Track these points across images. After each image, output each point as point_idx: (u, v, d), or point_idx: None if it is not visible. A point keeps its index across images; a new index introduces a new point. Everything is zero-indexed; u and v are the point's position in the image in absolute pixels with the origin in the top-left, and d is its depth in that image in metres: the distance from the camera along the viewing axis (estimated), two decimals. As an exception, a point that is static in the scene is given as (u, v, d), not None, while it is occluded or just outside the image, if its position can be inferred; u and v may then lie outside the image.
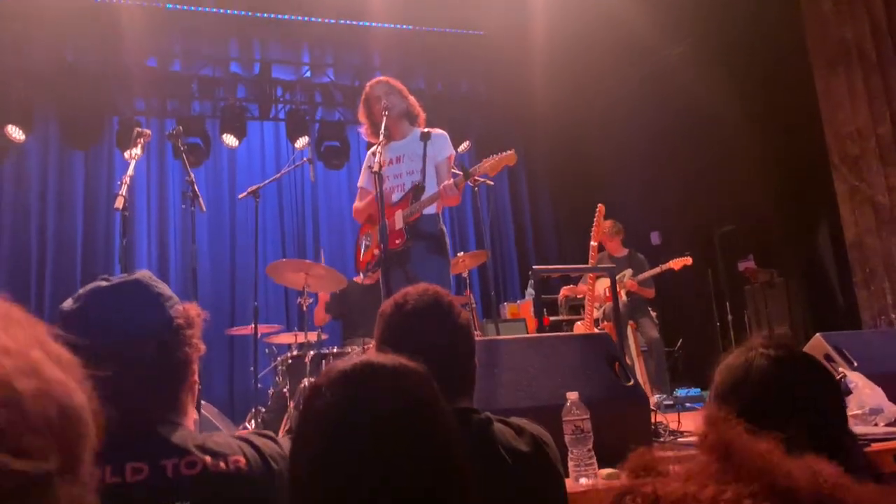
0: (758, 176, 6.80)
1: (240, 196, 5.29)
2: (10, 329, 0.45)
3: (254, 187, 5.02)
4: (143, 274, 1.40)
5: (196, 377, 1.41)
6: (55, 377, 0.45)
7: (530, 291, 7.12)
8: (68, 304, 1.32)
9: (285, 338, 5.80)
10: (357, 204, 4.24)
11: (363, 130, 4.19)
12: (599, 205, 5.24)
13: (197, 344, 1.38)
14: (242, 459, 1.27)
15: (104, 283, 1.35)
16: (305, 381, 4.72)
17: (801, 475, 0.57)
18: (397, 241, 3.86)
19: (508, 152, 3.81)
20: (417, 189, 3.88)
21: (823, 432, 1.29)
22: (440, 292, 1.68)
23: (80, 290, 1.34)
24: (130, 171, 3.29)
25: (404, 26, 7.60)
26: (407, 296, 1.66)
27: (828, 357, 3.64)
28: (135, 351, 1.27)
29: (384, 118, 3.83)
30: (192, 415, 1.40)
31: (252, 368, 5.13)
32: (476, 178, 4.69)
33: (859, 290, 5.91)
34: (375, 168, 3.59)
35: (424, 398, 1.02)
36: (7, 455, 0.40)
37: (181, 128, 3.97)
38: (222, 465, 1.24)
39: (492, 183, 5.65)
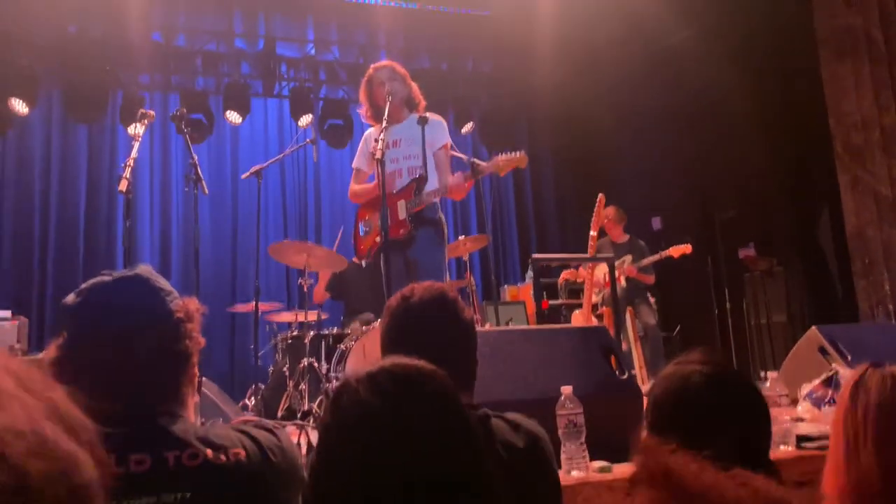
0: (761, 163, 6.79)
1: (243, 176, 5.31)
2: (23, 399, 0.46)
3: (257, 167, 5.03)
4: (144, 269, 1.44)
5: (196, 370, 1.45)
6: (67, 454, 0.46)
7: (531, 274, 7.16)
8: (71, 298, 1.36)
9: (286, 316, 5.86)
10: (354, 187, 4.25)
11: (362, 112, 4.21)
12: (600, 194, 5.26)
13: (197, 337, 1.41)
14: (242, 452, 1.30)
15: (106, 278, 1.38)
16: (305, 361, 4.78)
17: (741, 493, 0.60)
18: (401, 231, 3.89)
19: (519, 154, 3.82)
20: (420, 180, 3.91)
21: (751, 448, 1.39)
22: (445, 289, 1.74)
23: (83, 285, 1.38)
24: (134, 153, 3.30)
25: (410, 5, 7.55)
26: (413, 290, 1.72)
27: (823, 350, 3.68)
28: (136, 344, 1.31)
29: (387, 103, 3.84)
30: (193, 404, 1.44)
31: (252, 346, 5.18)
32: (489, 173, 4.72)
33: (858, 280, 5.93)
34: (378, 155, 3.60)
35: (453, 399, 1.06)
36: None
37: (184, 109, 3.96)
38: (223, 457, 1.27)
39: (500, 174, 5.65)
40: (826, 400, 2.71)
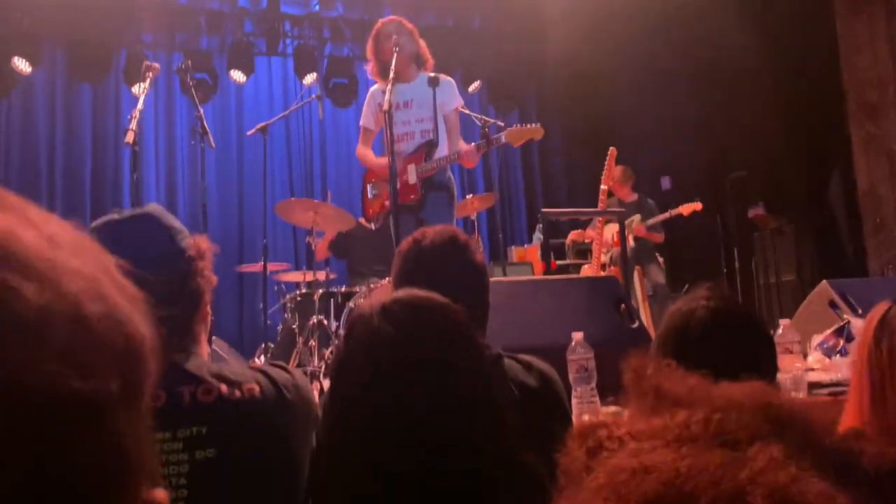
0: (771, 121, 6.70)
1: (248, 133, 5.27)
2: (81, 255, 0.45)
3: (262, 124, 4.99)
4: (154, 207, 1.42)
5: (208, 308, 1.44)
6: (123, 307, 0.45)
7: (538, 235, 7.12)
8: None
9: (294, 276, 5.86)
10: (361, 149, 4.21)
11: (369, 68, 4.15)
12: (611, 148, 5.20)
13: (208, 276, 1.41)
14: (256, 387, 1.30)
15: (116, 217, 1.37)
16: (314, 319, 4.79)
17: (738, 391, 0.57)
18: (411, 196, 3.88)
19: (534, 126, 3.79)
20: (430, 145, 3.88)
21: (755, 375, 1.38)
22: (457, 231, 1.73)
23: (92, 224, 1.36)
24: (140, 105, 3.28)
25: (416, -40, 7.41)
26: (425, 233, 1.72)
27: (832, 303, 3.66)
28: (148, 282, 1.30)
29: (394, 56, 3.78)
30: (206, 346, 1.44)
31: (261, 305, 5.20)
32: (485, 119, 4.67)
33: (869, 239, 5.90)
34: (385, 107, 3.55)
35: (465, 328, 1.06)
36: (72, 372, 0.39)
37: (189, 62, 3.92)
38: (237, 392, 1.28)
39: (501, 124, 5.59)
40: (837, 349, 2.70)
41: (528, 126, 3.76)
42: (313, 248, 5.19)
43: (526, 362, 1.60)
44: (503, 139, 3.81)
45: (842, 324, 2.81)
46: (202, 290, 1.39)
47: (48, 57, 6.97)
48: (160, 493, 0.48)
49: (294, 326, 5.10)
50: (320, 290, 4.97)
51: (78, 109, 7.16)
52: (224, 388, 1.27)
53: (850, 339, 2.83)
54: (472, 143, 3.96)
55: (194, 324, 1.38)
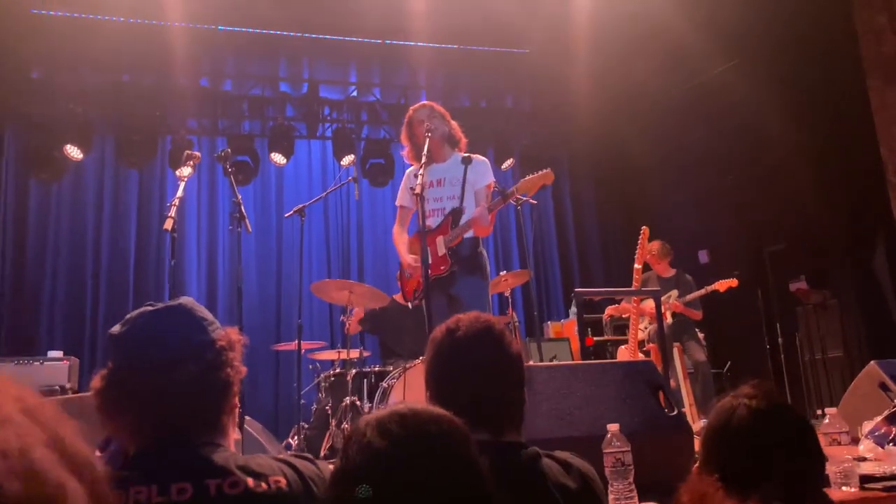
0: (810, 193, 6.62)
1: (286, 214, 5.39)
2: (21, 425, 0.45)
3: (300, 206, 5.11)
4: (187, 300, 1.46)
5: (237, 400, 1.45)
6: (55, 483, 0.44)
7: (574, 311, 7.05)
8: (116, 328, 1.39)
9: (328, 354, 5.88)
10: (396, 229, 4.27)
11: (405, 153, 4.24)
12: (644, 227, 5.18)
13: (238, 366, 1.42)
14: (283, 480, 1.30)
15: (150, 308, 1.41)
16: (347, 400, 4.76)
17: None
18: (442, 267, 3.88)
19: (545, 171, 3.81)
20: (456, 213, 3.90)
21: (797, 489, 1.32)
22: (492, 321, 1.68)
23: (128, 315, 1.40)
24: (180, 192, 3.38)
25: (449, 46, 7.65)
26: (459, 322, 1.66)
27: (883, 386, 3.52)
28: (178, 372, 1.32)
29: (427, 140, 3.86)
30: (233, 436, 1.44)
31: (295, 384, 5.20)
32: (518, 196, 4.70)
33: (918, 314, 5.70)
34: (417, 190, 3.61)
35: (462, 443, 1.03)
36: None
37: (229, 150, 4.06)
38: (263, 485, 1.28)
39: (535, 202, 5.63)
40: (890, 438, 2.57)
41: (538, 173, 3.77)
42: (348, 326, 5.21)
43: (564, 462, 1.54)
44: (518, 191, 3.82)
45: (894, 409, 2.69)
46: (231, 381, 1.40)
47: (98, 143, 7.29)
48: None
49: (327, 408, 5.07)
50: (353, 371, 4.96)
51: (125, 193, 7.43)
52: (251, 480, 1.27)
53: (902, 425, 2.70)
54: (482, 204, 3.94)
55: (222, 415, 1.39)
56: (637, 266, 5.06)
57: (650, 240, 5.43)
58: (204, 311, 1.43)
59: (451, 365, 1.61)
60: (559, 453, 1.56)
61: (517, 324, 6.05)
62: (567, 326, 7.14)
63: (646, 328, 5.74)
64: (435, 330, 1.71)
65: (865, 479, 2.27)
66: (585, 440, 2.14)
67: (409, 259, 4.03)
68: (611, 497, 2.04)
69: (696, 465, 1.59)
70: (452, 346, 1.63)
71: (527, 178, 3.81)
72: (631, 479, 2.05)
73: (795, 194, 6.71)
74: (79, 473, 0.46)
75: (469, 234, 3.96)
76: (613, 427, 2.06)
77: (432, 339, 1.69)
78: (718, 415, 1.52)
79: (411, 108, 4.24)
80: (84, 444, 0.49)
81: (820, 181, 6.57)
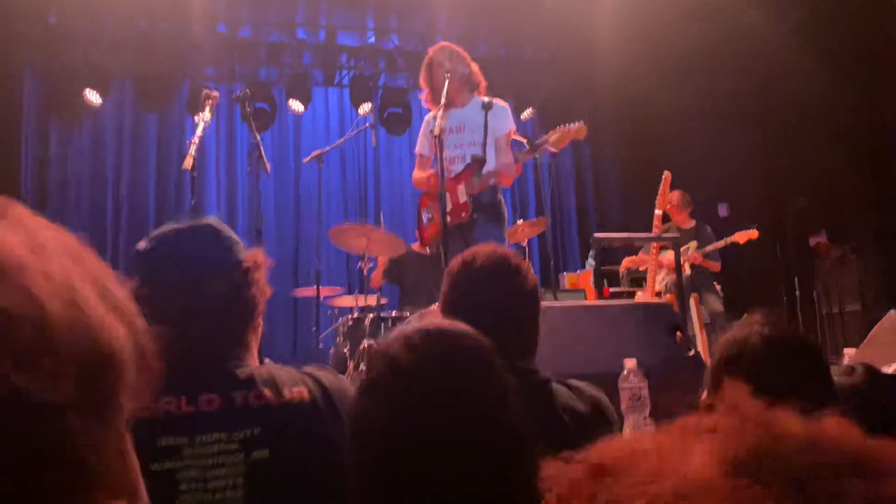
0: (833, 148, 6.50)
1: (304, 160, 5.39)
2: (64, 261, 0.45)
3: (318, 152, 5.10)
4: (213, 220, 1.47)
5: (261, 320, 1.47)
6: (97, 314, 0.44)
7: (590, 262, 7.02)
8: (142, 244, 1.39)
9: (346, 300, 5.92)
10: (416, 173, 4.23)
11: (424, 96, 4.18)
12: (666, 172, 5.11)
13: (263, 287, 1.44)
14: (305, 391, 1.34)
15: (177, 226, 1.42)
16: (365, 343, 4.81)
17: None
18: (463, 214, 3.86)
19: (577, 124, 3.73)
20: (479, 161, 3.86)
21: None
22: (509, 253, 1.67)
23: (154, 232, 1.41)
24: (199, 132, 3.38)
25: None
26: (476, 254, 1.66)
27: (902, 335, 3.50)
28: (205, 289, 1.34)
29: (445, 82, 3.81)
30: (256, 356, 1.47)
31: (314, 329, 5.26)
32: (548, 148, 4.66)
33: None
34: (436, 132, 3.58)
35: (487, 359, 1.04)
36: (20, 373, 0.38)
37: (248, 91, 4.03)
38: (287, 396, 1.32)
39: (555, 150, 5.57)
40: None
41: (569, 126, 3.70)
42: (365, 272, 5.24)
43: (576, 387, 1.56)
44: (549, 142, 3.77)
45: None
46: (256, 300, 1.42)
47: (117, 89, 7.28)
48: None
49: (345, 351, 5.13)
50: (371, 315, 5.00)
51: (144, 138, 7.46)
52: (274, 392, 1.31)
53: (920, 371, 2.70)
54: (508, 154, 3.90)
55: (247, 332, 1.42)
56: (657, 212, 5.01)
57: (671, 189, 5.38)
58: (230, 231, 1.44)
59: (466, 295, 1.62)
60: (573, 381, 1.58)
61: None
62: (582, 277, 7.13)
63: (663, 280, 5.73)
64: (451, 262, 1.72)
65: None
66: (602, 376, 2.15)
67: (428, 173, 4.00)
68: (627, 430, 2.06)
69: (704, 394, 1.58)
70: (468, 278, 1.63)
71: (559, 129, 3.75)
72: (647, 414, 2.06)
73: (818, 148, 6.59)
74: (121, 317, 0.46)
75: (490, 182, 3.93)
76: (630, 362, 2.07)
77: (448, 271, 1.70)
78: (729, 344, 1.50)
79: (430, 49, 4.17)
80: (127, 296, 0.49)
81: (844, 136, 6.45)
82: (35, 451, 0.39)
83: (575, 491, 0.53)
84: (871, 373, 1.71)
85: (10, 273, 0.41)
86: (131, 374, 0.46)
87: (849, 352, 2.46)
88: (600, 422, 1.53)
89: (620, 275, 6.73)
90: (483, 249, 1.68)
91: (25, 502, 0.39)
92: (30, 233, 0.45)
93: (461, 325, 1.09)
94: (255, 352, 1.43)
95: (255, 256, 1.42)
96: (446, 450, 0.95)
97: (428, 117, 4.24)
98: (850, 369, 1.76)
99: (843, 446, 0.51)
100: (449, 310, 1.65)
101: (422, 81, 4.21)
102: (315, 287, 5.11)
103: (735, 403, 0.61)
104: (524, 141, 4.37)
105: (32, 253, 0.43)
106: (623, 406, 2.06)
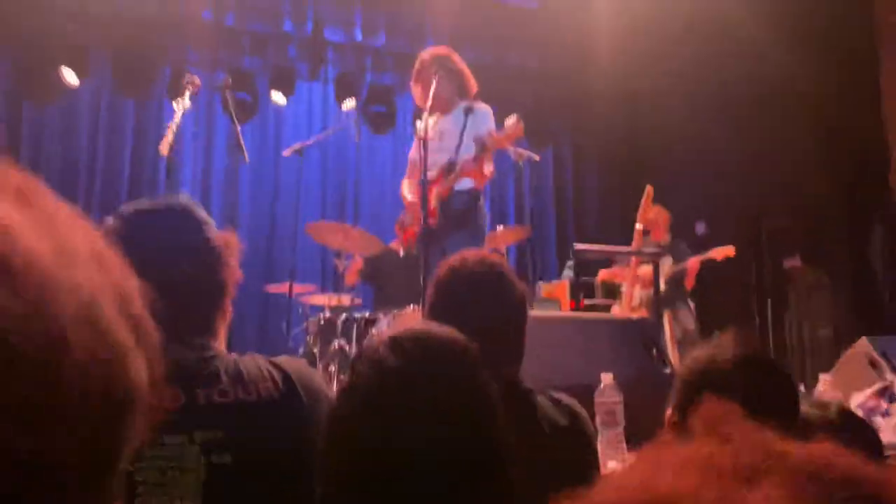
0: (812, 170, 6.58)
1: (284, 153, 5.30)
2: (89, 269, 0.39)
3: (299, 144, 5.02)
4: (184, 198, 1.42)
5: (230, 304, 1.41)
6: (118, 342, 0.39)
7: (567, 273, 7.02)
8: (109, 220, 1.33)
9: (319, 299, 5.84)
10: (405, 183, 4.27)
11: (416, 95, 4.19)
12: (648, 186, 5.13)
13: (234, 268, 1.38)
14: (273, 386, 1.28)
15: (146, 205, 1.36)
16: (336, 343, 4.74)
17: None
18: (432, 220, 3.85)
19: (511, 121, 3.75)
20: (449, 165, 3.85)
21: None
22: (497, 260, 1.66)
23: (122, 208, 1.35)
24: (177, 118, 3.30)
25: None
26: (464, 261, 1.64)
27: (872, 362, 3.52)
28: (173, 269, 1.27)
29: (433, 86, 3.82)
30: (223, 342, 1.41)
31: (284, 325, 5.17)
32: (519, 152, 4.67)
33: (910, 297, 5.71)
34: (421, 134, 3.58)
35: (473, 366, 1.02)
36: (17, 428, 0.33)
37: (230, 79, 3.96)
38: (253, 393, 1.25)
39: (537, 158, 5.57)
40: (880, 411, 2.58)
41: (507, 125, 3.75)
42: (340, 270, 5.16)
43: (556, 399, 1.56)
44: (492, 143, 3.79)
45: (884, 384, 2.69)
46: (226, 283, 1.37)
47: (95, 69, 7.12)
48: None
49: (315, 351, 5.06)
50: (343, 315, 4.93)
51: (120, 122, 7.29)
52: (240, 388, 1.25)
53: (892, 399, 2.71)
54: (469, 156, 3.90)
55: (215, 317, 1.36)
56: (638, 226, 5.02)
57: (653, 204, 5.39)
58: (201, 211, 1.39)
59: (452, 303, 1.59)
60: (555, 392, 1.57)
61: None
62: (559, 287, 7.11)
63: (639, 294, 5.73)
64: (439, 267, 1.69)
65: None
66: (576, 388, 2.12)
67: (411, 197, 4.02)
68: (600, 447, 2.03)
69: (669, 411, 1.55)
70: (455, 284, 1.61)
71: (499, 130, 3.79)
72: (621, 430, 2.04)
73: (798, 171, 6.66)
74: (139, 338, 0.42)
75: (462, 186, 3.91)
76: (607, 377, 2.04)
77: (435, 276, 1.68)
78: (697, 362, 1.48)
79: (425, 51, 4.16)
80: (145, 306, 0.44)
81: (823, 161, 6.53)
82: None
83: None
84: (845, 412, 1.72)
85: (31, 296, 0.35)
86: (142, 415, 0.41)
87: (825, 377, 2.46)
88: (578, 434, 1.52)
89: (596, 287, 6.74)
90: (471, 256, 1.67)
91: None
92: (58, 234, 0.40)
93: (450, 331, 1.08)
94: (222, 338, 1.37)
95: (226, 237, 1.36)
96: (427, 455, 0.93)
97: (418, 123, 4.25)
98: (825, 404, 1.75)
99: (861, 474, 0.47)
100: (435, 315, 1.62)
101: (413, 82, 4.22)
102: (288, 283, 5.03)
103: (714, 425, 0.58)
104: (513, 154, 4.37)
105: (59, 260, 0.38)
106: (598, 421, 2.03)
